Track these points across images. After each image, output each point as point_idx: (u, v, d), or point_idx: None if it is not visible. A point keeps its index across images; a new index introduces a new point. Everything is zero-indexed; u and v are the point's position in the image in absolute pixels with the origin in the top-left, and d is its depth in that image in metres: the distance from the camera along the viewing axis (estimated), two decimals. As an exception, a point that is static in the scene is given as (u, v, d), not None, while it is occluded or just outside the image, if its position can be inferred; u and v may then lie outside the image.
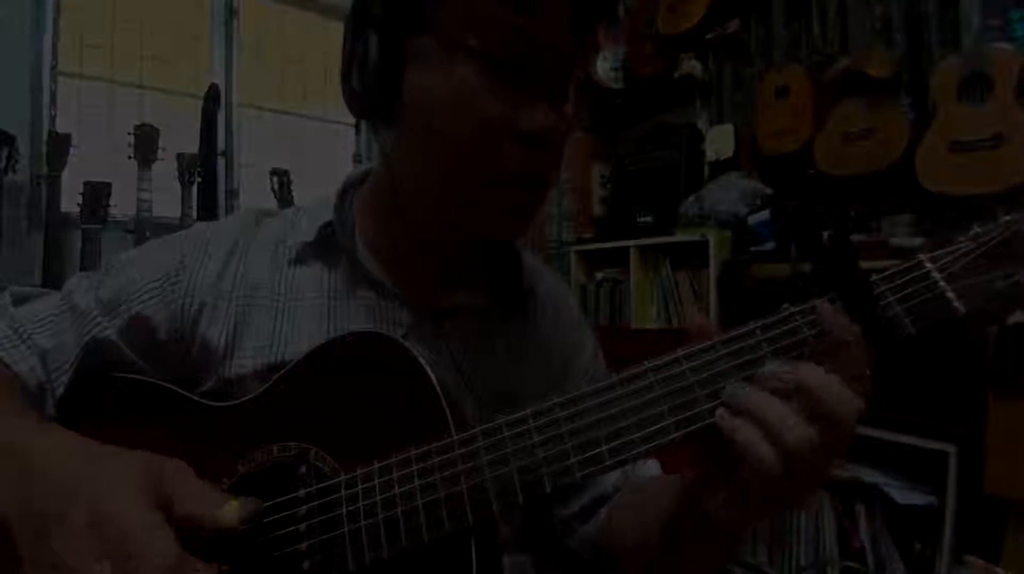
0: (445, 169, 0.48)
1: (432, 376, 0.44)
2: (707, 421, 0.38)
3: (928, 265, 0.39)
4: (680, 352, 0.40)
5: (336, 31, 2.84)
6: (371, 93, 0.49)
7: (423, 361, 0.44)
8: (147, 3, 2.37)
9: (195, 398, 0.51)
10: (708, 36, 2.24)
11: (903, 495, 1.49)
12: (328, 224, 0.55)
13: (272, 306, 0.54)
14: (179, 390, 0.51)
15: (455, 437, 0.41)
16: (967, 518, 1.40)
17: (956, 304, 0.37)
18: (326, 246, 0.56)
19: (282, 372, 0.48)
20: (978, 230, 0.39)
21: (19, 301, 0.56)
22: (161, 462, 0.39)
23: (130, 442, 0.41)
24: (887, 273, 0.39)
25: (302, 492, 0.43)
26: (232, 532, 0.36)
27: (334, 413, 0.45)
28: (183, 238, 0.58)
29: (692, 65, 2.29)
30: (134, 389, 0.52)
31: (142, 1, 2.36)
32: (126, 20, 2.32)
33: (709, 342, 0.40)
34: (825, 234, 1.71)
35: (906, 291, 0.38)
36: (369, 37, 0.49)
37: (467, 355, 0.56)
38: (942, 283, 0.38)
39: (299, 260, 0.56)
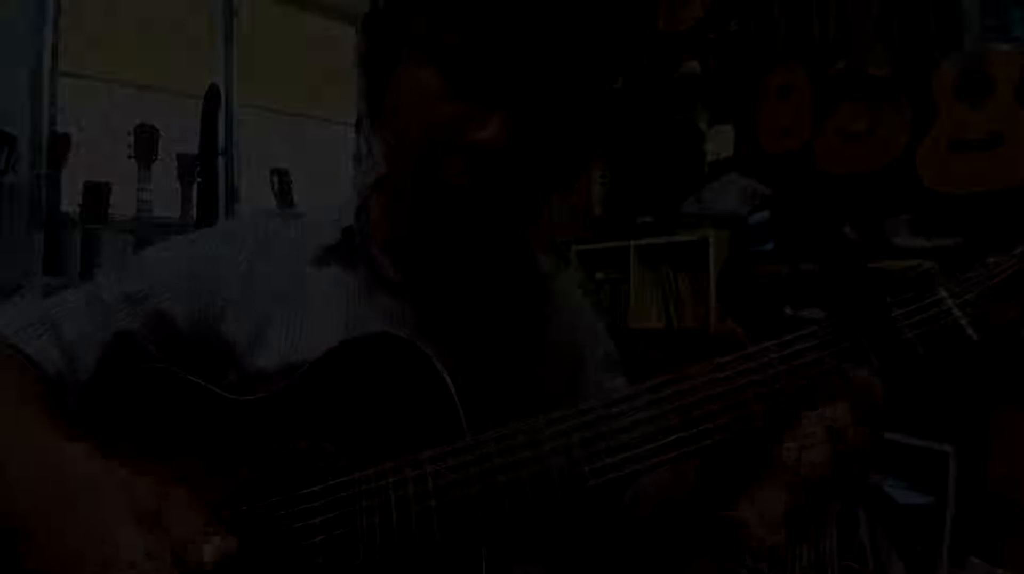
0: (403, 170, 0.50)
1: (447, 379, 0.45)
2: (717, 438, 0.38)
3: (943, 292, 0.39)
4: (694, 368, 0.40)
5: (336, 31, 2.84)
6: (367, 98, 0.52)
7: (438, 364, 0.45)
8: (147, 3, 2.37)
9: (218, 391, 0.51)
10: (708, 36, 2.25)
11: (903, 495, 1.49)
12: (350, 228, 0.57)
13: (294, 306, 0.55)
14: (201, 382, 0.52)
15: (469, 441, 0.41)
16: (968, 518, 1.40)
17: (969, 332, 0.38)
18: (347, 249, 0.57)
19: (302, 370, 0.49)
20: (993, 260, 0.39)
21: (49, 293, 0.57)
22: (165, 487, 0.39)
23: (153, 434, 0.44)
24: (902, 298, 0.40)
25: (318, 487, 0.43)
26: (206, 568, 0.36)
27: (352, 412, 0.46)
28: (207, 235, 0.60)
29: (692, 65, 2.29)
30: (158, 381, 0.53)
31: (142, 1, 2.36)
32: (126, 20, 2.32)
33: (725, 359, 0.40)
34: (838, 245, 1.71)
35: (920, 317, 0.39)
36: (370, 44, 0.51)
37: (483, 357, 0.56)
38: (956, 311, 0.38)
39: (321, 262, 0.57)
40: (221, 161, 2.38)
